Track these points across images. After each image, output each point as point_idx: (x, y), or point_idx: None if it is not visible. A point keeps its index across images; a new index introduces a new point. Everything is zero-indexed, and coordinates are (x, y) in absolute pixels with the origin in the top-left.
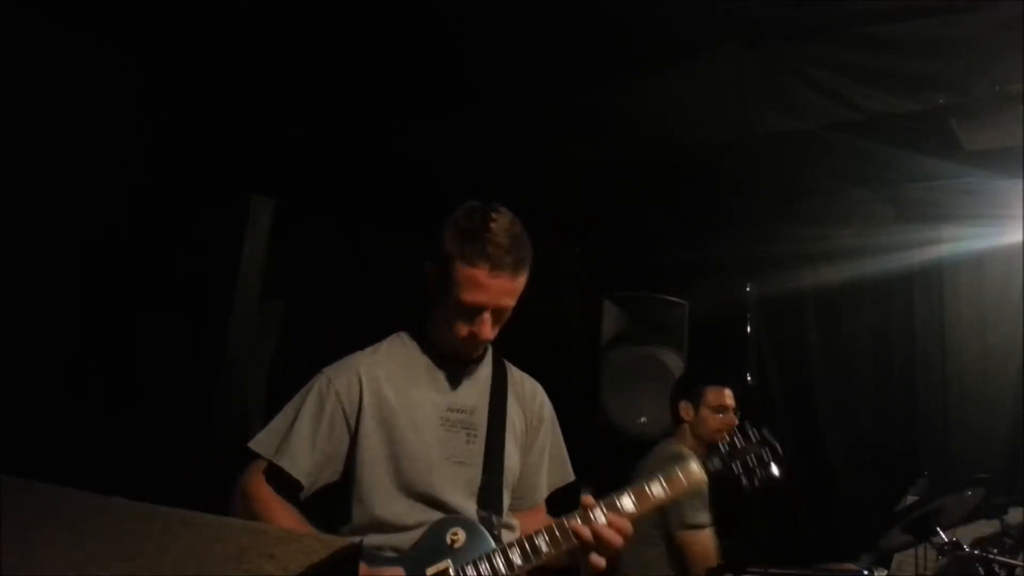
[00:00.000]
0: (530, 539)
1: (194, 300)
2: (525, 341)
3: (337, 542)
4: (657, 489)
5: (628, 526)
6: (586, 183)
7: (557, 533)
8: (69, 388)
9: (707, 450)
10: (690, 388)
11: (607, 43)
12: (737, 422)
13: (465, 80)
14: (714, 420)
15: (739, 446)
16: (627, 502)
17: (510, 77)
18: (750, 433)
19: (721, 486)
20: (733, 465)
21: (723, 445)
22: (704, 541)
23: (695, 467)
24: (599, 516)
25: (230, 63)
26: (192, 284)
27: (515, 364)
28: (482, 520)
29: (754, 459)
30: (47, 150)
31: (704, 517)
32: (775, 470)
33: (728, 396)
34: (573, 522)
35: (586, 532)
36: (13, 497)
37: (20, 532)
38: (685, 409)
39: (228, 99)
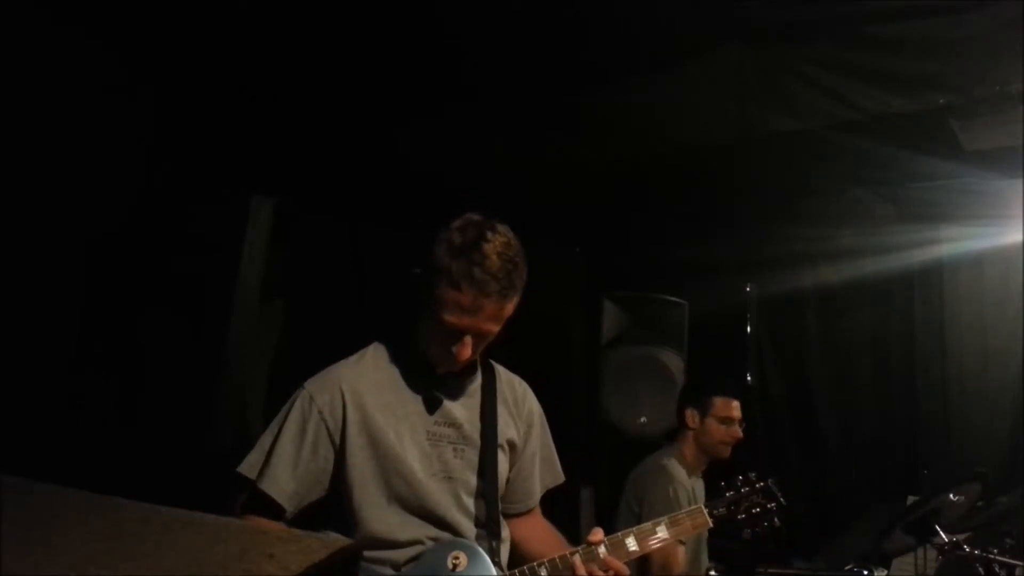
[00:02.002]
0: (532, 570)
1: (194, 300)
2: (525, 341)
3: (337, 542)
4: (662, 531)
5: (626, 571)
6: (586, 183)
7: (560, 566)
8: (69, 388)
9: (707, 460)
10: (698, 396)
11: (607, 43)
12: (741, 435)
13: (465, 80)
14: (719, 431)
15: (744, 493)
16: (631, 542)
17: (510, 77)
18: (756, 483)
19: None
20: (739, 516)
21: (729, 492)
22: (676, 555)
23: (700, 514)
24: (602, 556)
25: (230, 63)
26: (192, 284)
27: (516, 364)
28: (482, 543)
29: (759, 509)
30: (47, 150)
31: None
32: (777, 523)
33: (736, 408)
34: (575, 559)
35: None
36: (13, 497)
37: (20, 532)
38: (691, 416)
39: (228, 99)
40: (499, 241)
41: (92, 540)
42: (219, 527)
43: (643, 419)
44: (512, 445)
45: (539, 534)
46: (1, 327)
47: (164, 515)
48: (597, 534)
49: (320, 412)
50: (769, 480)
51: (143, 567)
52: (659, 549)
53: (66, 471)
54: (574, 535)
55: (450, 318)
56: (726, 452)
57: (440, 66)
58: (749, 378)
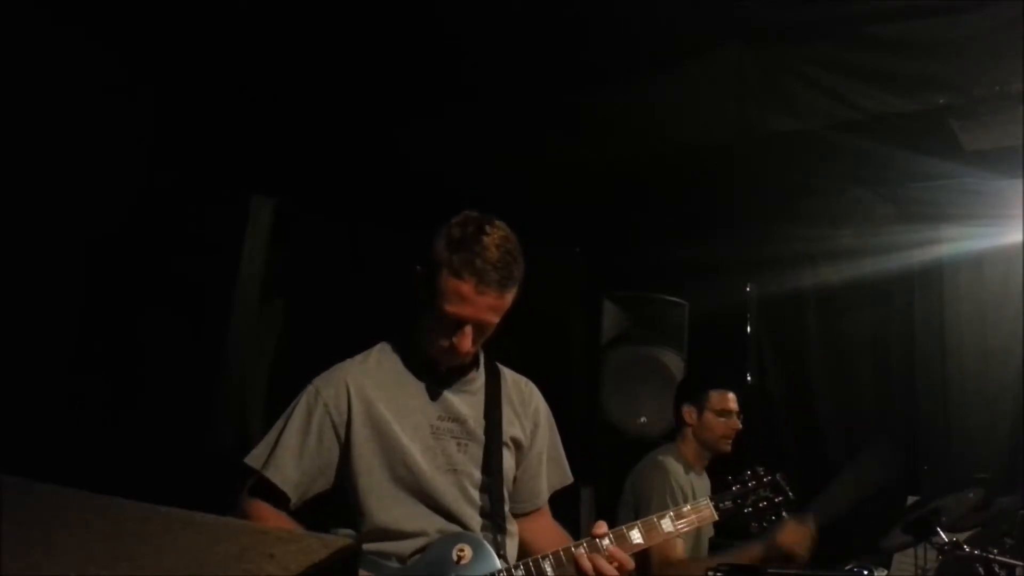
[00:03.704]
0: (536, 562)
1: (194, 300)
2: (526, 341)
3: (336, 542)
4: (667, 524)
5: (630, 563)
6: (586, 183)
7: (564, 559)
8: (69, 388)
9: (709, 455)
10: (693, 391)
11: (607, 43)
12: (740, 426)
13: (465, 80)
14: (717, 424)
15: (751, 487)
16: (635, 535)
17: (510, 77)
18: (764, 477)
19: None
20: (745, 509)
21: (736, 486)
22: (674, 552)
23: (706, 507)
24: (606, 548)
25: (230, 63)
26: (192, 284)
27: (516, 364)
28: (486, 536)
29: (765, 503)
30: (47, 150)
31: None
32: (785, 516)
33: (732, 400)
34: (579, 551)
35: (588, 566)
36: (13, 497)
37: (20, 532)
38: (688, 412)
39: (229, 99)
40: (498, 234)
41: (92, 540)
42: (219, 527)
43: (643, 419)
44: (517, 443)
45: (546, 534)
46: (1, 327)
47: (164, 515)
48: (601, 527)
49: (326, 405)
50: (777, 474)
51: (143, 567)
52: (669, 550)
53: (66, 471)
54: (574, 535)
55: (451, 308)
56: (727, 446)
57: (440, 66)
58: (749, 378)
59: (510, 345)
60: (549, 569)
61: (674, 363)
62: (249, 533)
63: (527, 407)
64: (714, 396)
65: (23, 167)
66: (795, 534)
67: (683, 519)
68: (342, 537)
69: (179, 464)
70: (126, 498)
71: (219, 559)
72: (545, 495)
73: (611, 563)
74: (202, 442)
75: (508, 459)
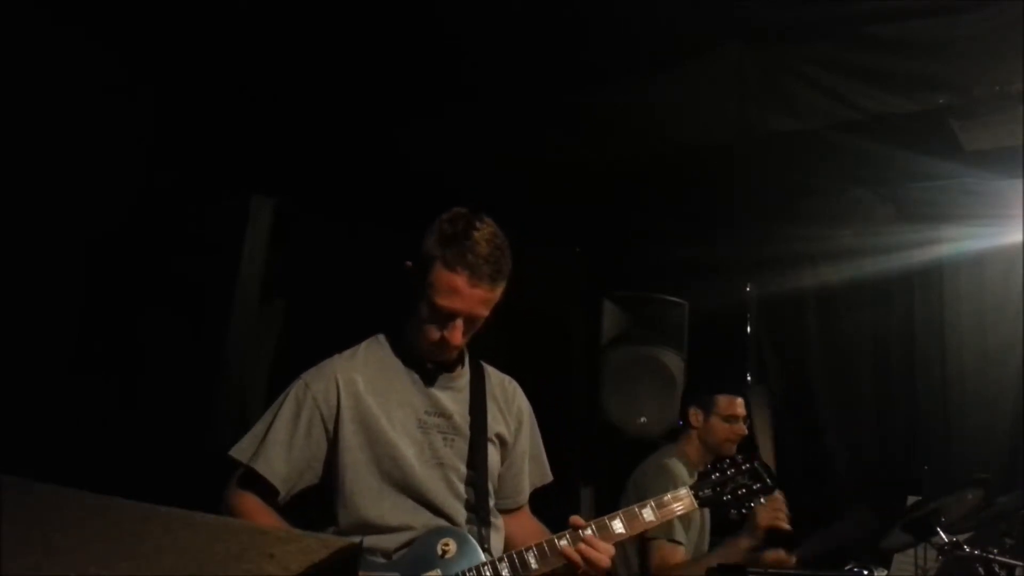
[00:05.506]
0: (520, 555)
1: (194, 300)
2: (526, 341)
3: (337, 542)
4: (648, 514)
5: (611, 550)
6: (586, 183)
7: (547, 551)
8: (69, 388)
9: (711, 460)
10: (701, 395)
11: (607, 43)
12: (746, 432)
13: (465, 80)
14: (723, 429)
15: (730, 475)
16: (617, 525)
17: (510, 77)
18: (743, 464)
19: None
20: (724, 496)
21: (715, 475)
22: (674, 558)
23: (687, 496)
24: (588, 538)
25: (230, 63)
26: (192, 284)
27: (516, 364)
28: (472, 530)
29: (744, 491)
30: (47, 150)
31: (683, 536)
32: (763, 502)
33: (740, 405)
34: (562, 543)
35: (574, 554)
36: (13, 497)
37: (20, 532)
38: (695, 415)
39: (228, 99)
40: (487, 230)
41: (92, 540)
42: (219, 527)
43: (643, 419)
44: (502, 440)
45: (528, 530)
46: (1, 327)
47: (164, 515)
48: (579, 520)
49: (315, 399)
50: (756, 461)
51: (143, 567)
52: (657, 549)
53: (66, 471)
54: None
55: (444, 302)
56: (731, 449)
57: (440, 66)
58: (749, 378)
59: (511, 345)
60: (533, 561)
61: (674, 363)
62: (249, 533)
63: (511, 405)
64: (722, 401)
65: (23, 167)
66: (770, 510)
67: (664, 508)
68: (342, 537)
69: (179, 464)
70: (126, 498)
71: (219, 559)
72: (527, 493)
73: (593, 551)
74: (202, 442)
75: (493, 454)
